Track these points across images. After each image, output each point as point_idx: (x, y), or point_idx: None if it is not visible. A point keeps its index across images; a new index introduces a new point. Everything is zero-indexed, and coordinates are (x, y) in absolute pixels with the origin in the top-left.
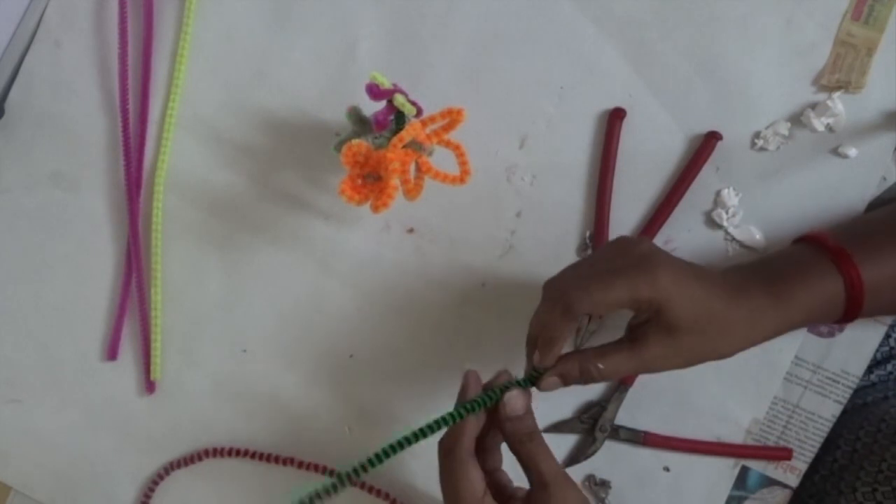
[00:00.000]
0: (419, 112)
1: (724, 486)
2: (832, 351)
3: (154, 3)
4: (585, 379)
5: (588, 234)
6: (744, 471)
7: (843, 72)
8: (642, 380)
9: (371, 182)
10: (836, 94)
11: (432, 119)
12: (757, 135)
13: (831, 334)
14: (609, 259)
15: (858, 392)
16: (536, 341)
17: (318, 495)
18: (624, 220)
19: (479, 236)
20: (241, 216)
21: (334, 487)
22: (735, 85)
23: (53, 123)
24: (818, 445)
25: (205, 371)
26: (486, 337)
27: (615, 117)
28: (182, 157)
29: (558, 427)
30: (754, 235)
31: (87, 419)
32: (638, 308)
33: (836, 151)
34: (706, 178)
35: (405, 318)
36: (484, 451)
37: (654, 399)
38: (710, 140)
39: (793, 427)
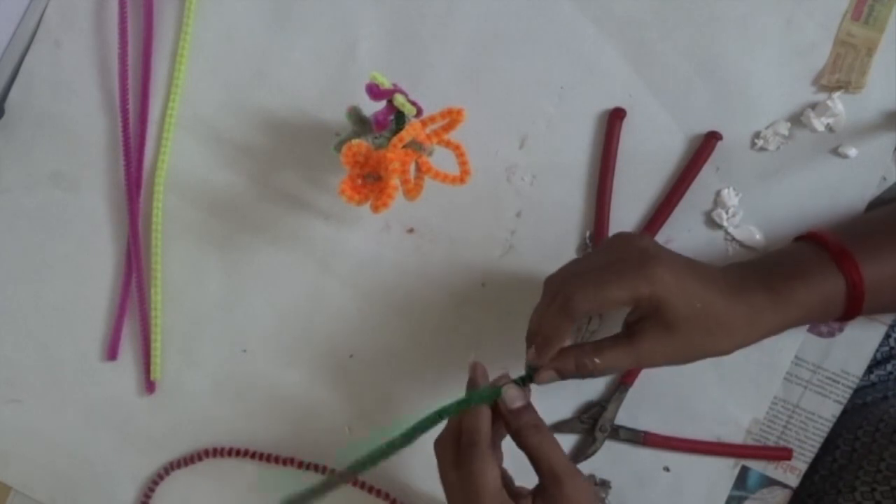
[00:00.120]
0: (419, 112)
1: (724, 486)
2: (832, 351)
3: (154, 3)
4: (582, 373)
5: (588, 234)
6: (744, 471)
7: (843, 72)
8: (642, 380)
9: (371, 182)
10: (836, 94)
11: (432, 119)
12: (757, 135)
13: (831, 334)
14: (609, 256)
15: (858, 392)
16: (535, 338)
17: (314, 493)
18: (624, 220)
19: (479, 236)
20: (241, 216)
21: (332, 484)
22: (735, 85)
23: (53, 123)
24: (818, 445)
25: (205, 371)
26: (486, 337)
27: (615, 117)
28: (182, 157)
29: (558, 427)
30: (754, 235)
31: (87, 419)
32: (637, 305)
33: (836, 151)
34: (706, 178)
35: (405, 318)
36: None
37: (654, 399)
38: (710, 140)
39: (793, 427)
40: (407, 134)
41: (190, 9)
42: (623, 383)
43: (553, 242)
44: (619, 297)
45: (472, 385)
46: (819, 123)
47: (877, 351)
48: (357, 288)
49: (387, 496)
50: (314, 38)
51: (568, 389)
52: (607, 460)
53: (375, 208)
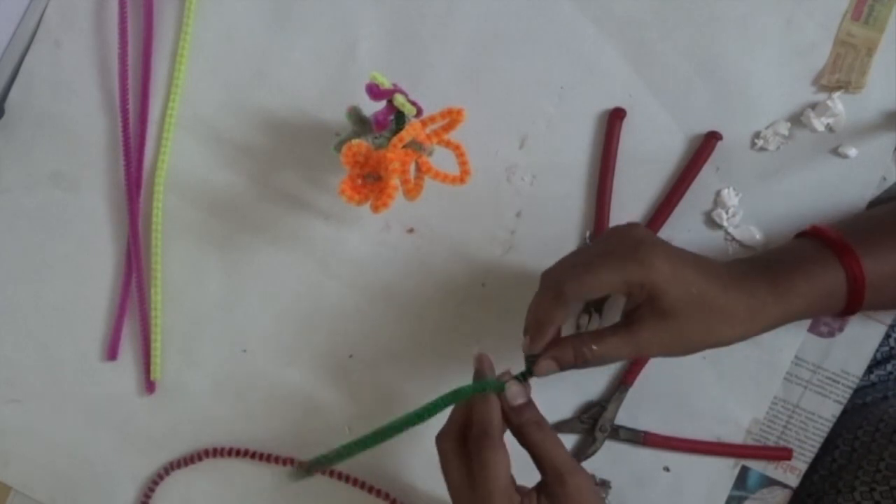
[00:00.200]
0: (419, 112)
1: (724, 486)
2: (832, 351)
3: (154, 3)
4: (580, 362)
5: (588, 234)
6: (744, 471)
7: (843, 72)
8: (642, 380)
9: (371, 182)
10: (836, 94)
11: (432, 119)
12: (757, 135)
13: (831, 334)
14: (604, 246)
15: (858, 392)
16: (531, 328)
17: (322, 461)
18: (624, 220)
19: (479, 236)
20: (241, 216)
21: (339, 456)
22: (735, 85)
23: (53, 123)
24: (818, 445)
25: (205, 371)
26: (487, 337)
27: (615, 117)
28: (182, 157)
29: (558, 427)
30: (754, 235)
31: (87, 419)
32: (630, 292)
33: (836, 151)
34: (706, 178)
35: (405, 317)
36: None
37: (654, 399)
38: (710, 140)
39: (793, 427)
40: (407, 134)
41: (190, 9)
42: (623, 383)
43: (553, 242)
44: (609, 281)
45: (478, 377)
46: (819, 123)
47: (877, 351)
48: (357, 288)
49: (387, 496)
50: (314, 38)
51: (568, 389)
52: (607, 460)
53: (375, 208)
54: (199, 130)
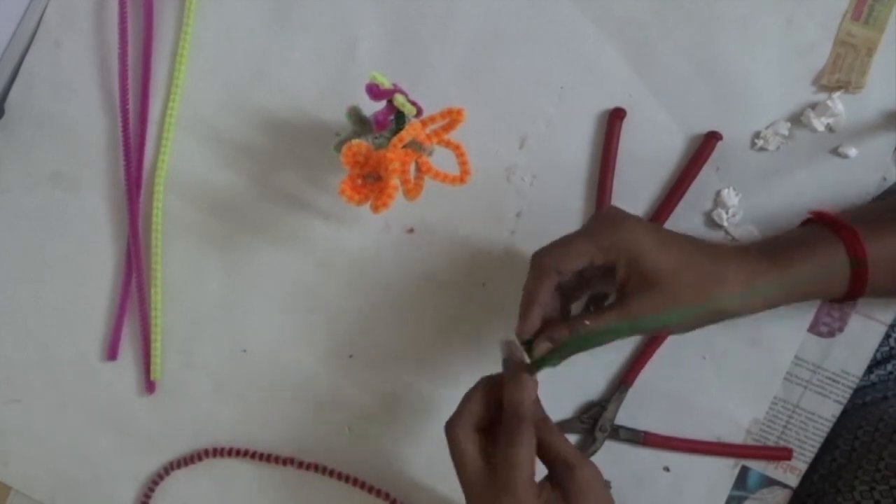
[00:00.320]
0: (419, 112)
1: (724, 486)
2: (832, 351)
3: (154, 3)
4: (577, 340)
5: None
6: (744, 471)
7: (843, 72)
8: (642, 380)
9: (371, 182)
10: (836, 94)
11: (432, 119)
12: (757, 135)
13: (831, 334)
14: (583, 225)
15: (858, 392)
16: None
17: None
18: None
19: (479, 236)
20: (241, 216)
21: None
22: (735, 85)
23: (53, 123)
24: (818, 445)
25: (205, 371)
26: (487, 337)
27: (615, 117)
28: (182, 157)
29: (558, 427)
30: (754, 235)
31: (87, 419)
32: (608, 260)
33: (836, 151)
34: (706, 178)
35: (405, 318)
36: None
37: (654, 399)
38: (710, 140)
39: (793, 427)
40: (407, 134)
41: (190, 9)
42: (623, 383)
43: None
44: (584, 249)
45: (511, 360)
46: (819, 123)
47: (877, 351)
48: (357, 288)
49: (387, 496)
50: (314, 38)
51: (568, 389)
52: (607, 460)
53: (375, 208)
54: (199, 130)
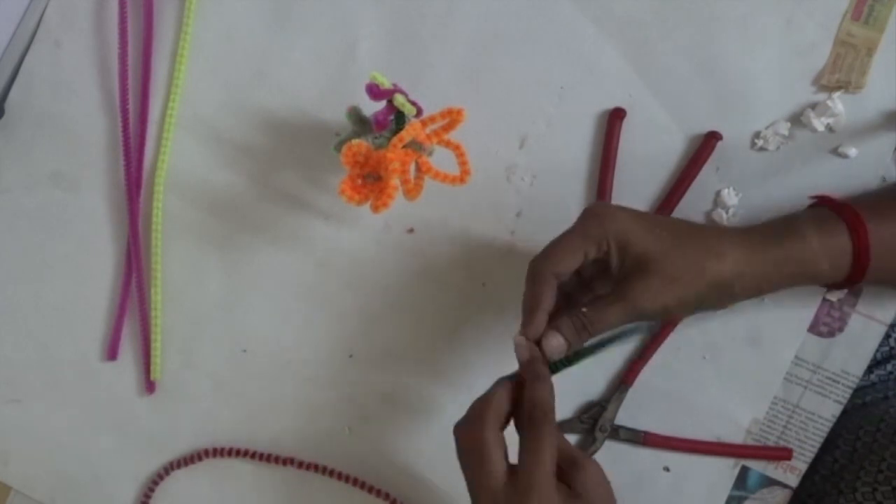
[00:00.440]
0: (419, 112)
1: (724, 486)
2: (832, 351)
3: (154, 3)
4: (578, 330)
5: None
6: (744, 471)
7: (843, 72)
8: (642, 380)
9: (371, 182)
10: (836, 94)
11: (432, 119)
12: (757, 135)
13: (831, 334)
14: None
15: (858, 392)
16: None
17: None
18: None
19: (479, 236)
20: (241, 216)
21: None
22: (735, 85)
23: (53, 123)
24: (818, 445)
25: (205, 371)
26: (487, 337)
27: (615, 117)
28: (182, 157)
29: (558, 427)
30: None
31: (87, 419)
32: (600, 251)
33: (836, 151)
34: (706, 178)
35: (405, 318)
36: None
37: (654, 399)
38: (710, 140)
39: (793, 427)
40: (407, 134)
41: (190, 9)
42: (623, 383)
43: None
44: (575, 245)
45: (525, 358)
46: (819, 123)
47: (877, 351)
48: (357, 288)
49: (387, 496)
50: (314, 38)
51: (568, 389)
52: (607, 460)
53: (375, 208)
54: (199, 130)
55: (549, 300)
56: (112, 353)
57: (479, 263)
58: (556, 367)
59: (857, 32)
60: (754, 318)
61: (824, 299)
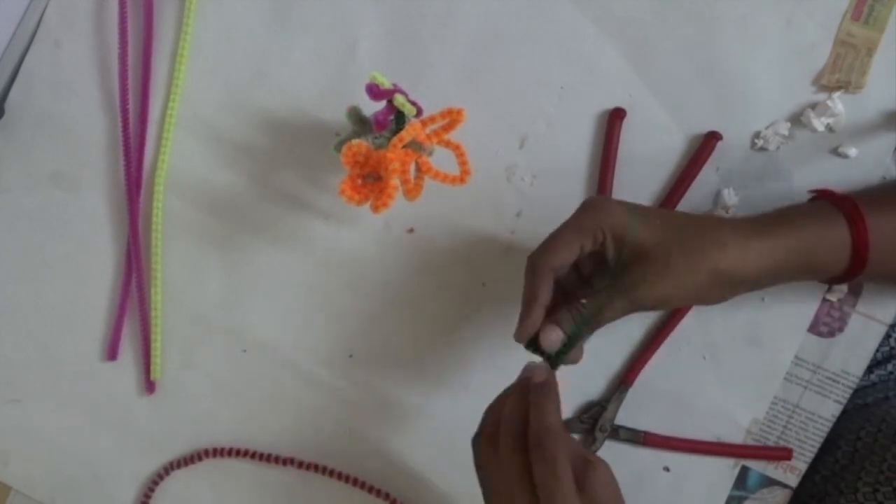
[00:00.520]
0: (419, 112)
1: (724, 486)
2: (832, 351)
3: (154, 3)
4: (577, 323)
5: None
6: (744, 471)
7: (843, 72)
8: (642, 380)
9: (371, 182)
10: (836, 94)
11: (432, 119)
12: (757, 135)
13: (831, 334)
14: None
15: (859, 392)
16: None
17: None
18: None
19: (479, 236)
20: (241, 216)
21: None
22: (735, 85)
23: (53, 123)
24: (818, 445)
25: (205, 371)
26: (487, 337)
27: (615, 117)
28: (182, 157)
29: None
30: None
31: (87, 419)
32: (595, 243)
33: (836, 151)
34: (706, 178)
35: (405, 317)
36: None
37: (654, 399)
38: (710, 140)
39: (793, 427)
40: (407, 134)
41: (190, 9)
42: (623, 383)
43: None
44: (571, 238)
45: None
46: (819, 123)
47: (877, 351)
48: (357, 288)
49: (387, 496)
50: (314, 38)
51: (568, 389)
52: (607, 460)
53: (375, 208)
54: (199, 130)
55: (545, 294)
56: (112, 353)
57: (479, 263)
58: (555, 363)
59: (857, 32)
60: (754, 318)
61: (824, 299)
